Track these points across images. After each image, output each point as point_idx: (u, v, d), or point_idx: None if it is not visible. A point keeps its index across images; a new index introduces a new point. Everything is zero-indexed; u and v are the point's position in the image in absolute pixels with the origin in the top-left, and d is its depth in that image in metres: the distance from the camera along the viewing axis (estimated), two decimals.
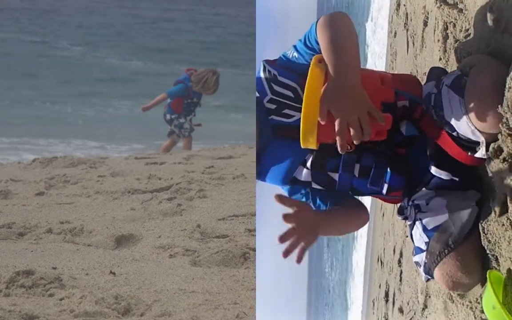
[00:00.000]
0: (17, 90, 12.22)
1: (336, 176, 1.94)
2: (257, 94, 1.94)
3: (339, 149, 1.68)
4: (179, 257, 2.64)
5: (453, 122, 1.73)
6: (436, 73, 1.93)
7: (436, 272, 1.83)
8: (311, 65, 1.73)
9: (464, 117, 1.69)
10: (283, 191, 2.07)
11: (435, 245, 1.84)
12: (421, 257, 1.89)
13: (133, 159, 5.21)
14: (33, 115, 10.87)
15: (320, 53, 1.78)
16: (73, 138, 9.37)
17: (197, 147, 6.89)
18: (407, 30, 3.73)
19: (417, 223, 1.92)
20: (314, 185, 1.97)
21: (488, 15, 1.90)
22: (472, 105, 1.66)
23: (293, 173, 1.96)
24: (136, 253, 2.71)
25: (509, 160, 1.63)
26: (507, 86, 1.59)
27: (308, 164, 1.93)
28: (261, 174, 2.03)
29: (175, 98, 6.94)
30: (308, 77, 1.71)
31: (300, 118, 1.81)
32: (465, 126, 1.70)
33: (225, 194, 3.67)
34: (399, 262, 3.76)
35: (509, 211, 1.65)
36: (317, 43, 1.80)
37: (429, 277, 1.89)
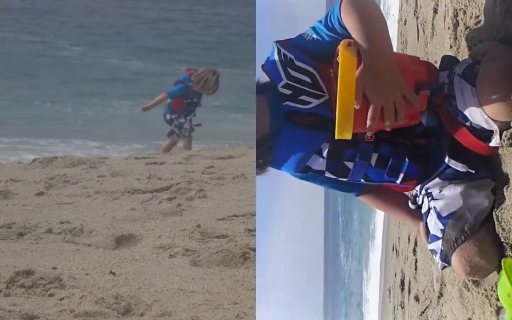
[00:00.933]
0: (17, 90, 12.22)
1: (351, 165, 1.88)
2: (270, 78, 1.86)
3: (367, 130, 1.61)
4: (179, 257, 2.64)
5: (466, 111, 1.72)
6: (447, 62, 1.90)
7: (454, 258, 1.81)
8: (340, 49, 1.62)
9: (477, 106, 1.67)
10: (293, 176, 2.00)
11: (451, 232, 1.82)
12: (437, 245, 1.88)
13: (133, 159, 5.21)
14: (33, 115, 10.87)
15: (342, 35, 1.71)
16: (73, 138, 9.37)
17: (197, 147, 6.89)
18: (417, 17, 3.68)
19: (431, 211, 1.91)
20: (327, 174, 1.92)
21: (498, 0, 1.88)
22: (484, 93, 1.64)
23: (307, 162, 1.89)
24: (136, 253, 2.71)
25: None
26: None
27: (324, 153, 1.86)
28: (275, 163, 1.95)
29: (175, 98, 6.94)
30: (340, 61, 1.60)
31: (317, 105, 1.78)
32: (478, 115, 1.69)
33: (225, 194, 3.67)
34: (414, 250, 3.74)
35: None
36: (340, 25, 1.72)
37: (446, 264, 1.87)
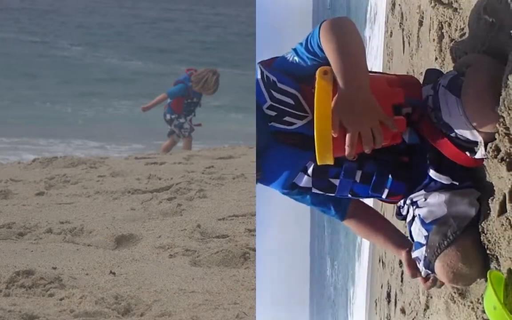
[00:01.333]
0: (17, 90, 12.22)
1: (337, 182, 1.92)
2: (256, 98, 1.90)
3: (346, 155, 1.65)
4: (179, 257, 2.64)
5: (451, 123, 1.72)
6: (432, 75, 1.92)
7: (437, 264, 1.81)
8: (317, 78, 1.67)
9: (462, 117, 1.68)
10: (282, 194, 2.05)
11: (434, 237, 1.82)
12: (420, 252, 1.87)
13: (133, 159, 5.21)
14: (33, 115, 10.87)
15: (322, 59, 1.74)
16: (73, 138, 9.37)
17: (197, 147, 6.89)
18: (403, 29, 3.72)
19: (416, 218, 1.91)
20: (314, 190, 1.95)
21: (483, 14, 1.90)
22: (469, 104, 1.65)
23: (293, 179, 1.93)
24: (136, 253, 2.71)
25: (507, 159, 1.63)
26: (503, 85, 1.59)
27: (310, 171, 1.90)
28: (262, 179, 1.99)
29: (175, 98, 6.94)
30: (316, 91, 1.65)
31: (302, 126, 1.80)
32: (463, 126, 1.69)
33: (225, 194, 3.67)
34: (400, 262, 3.76)
35: (508, 211, 1.65)
36: (320, 48, 1.75)
37: (429, 271, 1.87)
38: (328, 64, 1.71)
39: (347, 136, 1.64)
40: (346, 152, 1.65)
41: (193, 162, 4.93)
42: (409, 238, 1.99)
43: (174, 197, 3.55)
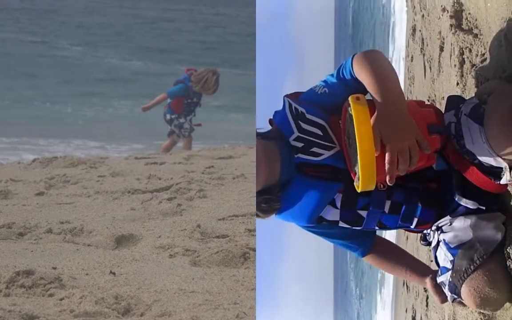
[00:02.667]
0: (17, 90, 12.21)
1: (365, 214, 1.90)
2: (279, 132, 1.89)
3: (388, 180, 1.64)
4: (179, 257, 2.64)
5: (474, 150, 1.73)
6: (454, 102, 1.91)
7: (463, 289, 1.79)
8: (351, 103, 1.67)
9: (485, 145, 1.69)
10: (302, 228, 2.02)
11: (461, 262, 1.81)
12: (446, 277, 1.86)
13: (133, 159, 5.21)
14: (33, 115, 10.86)
15: (353, 88, 1.77)
16: (73, 138, 9.36)
17: (197, 147, 6.88)
18: (424, 55, 3.70)
19: (441, 243, 1.90)
20: (342, 224, 1.92)
21: (504, 40, 1.90)
22: (492, 131, 1.66)
23: (320, 212, 1.91)
24: (136, 253, 2.71)
25: None
26: None
27: (338, 204, 1.88)
28: (282, 212, 1.97)
29: (175, 98, 6.94)
30: (354, 115, 1.65)
31: (329, 157, 1.81)
32: (486, 153, 1.70)
33: (225, 194, 3.67)
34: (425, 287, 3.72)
35: None
36: (352, 77, 1.79)
37: (455, 296, 1.85)
38: (358, 92, 1.72)
39: (387, 154, 1.63)
40: (387, 169, 1.63)
41: (193, 162, 4.93)
42: (434, 263, 1.98)
43: (174, 197, 3.55)
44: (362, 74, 1.75)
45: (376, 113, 1.66)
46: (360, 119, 1.64)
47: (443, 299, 1.94)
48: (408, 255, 2.21)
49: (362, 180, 1.65)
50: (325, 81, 1.88)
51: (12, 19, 19.52)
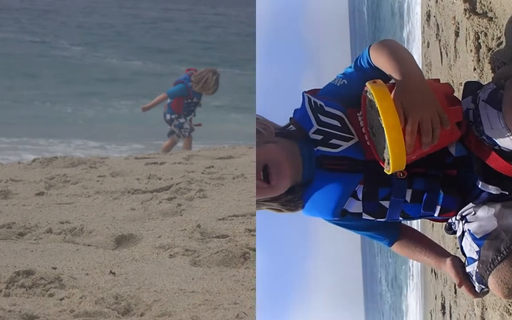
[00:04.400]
0: (17, 90, 12.21)
1: (387, 204, 1.89)
2: (299, 128, 1.92)
3: (406, 146, 1.63)
4: (179, 257, 2.64)
5: (493, 136, 1.73)
6: (471, 88, 1.91)
7: (491, 280, 1.79)
8: (369, 87, 1.68)
9: (504, 130, 1.69)
10: (329, 222, 2.02)
11: (487, 253, 1.80)
12: (472, 267, 1.85)
13: (133, 159, 5.21)
14: (33, 115, 10.86)
15: (371, 75, 1.78)
16: (73, 138, 9.36)
17: (197, 147, 6.89)
18: (439, 40, 3.68)
19: (466, 233, 1.89)
20: (365, 216, 1.92)
21: None
22: (510, 116, 1.66)
23: (344, 205, 1.90)
24: (136, 253, 2.71)
25: None
26: None
27: (359, 195, 1.88)
28: (307, 208, 1.98)
29: (175, 98, 6.94)
30: (373, 93, 1.65)
31: (348, 148, 1.82)
32: (506, 138, 1.70)
33: (225, 194, 3.67)
34: None
35: None
36: (369, 65, 1.82)
37: (483, 286, 1.84)
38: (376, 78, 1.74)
39: (409, 123, 1.62)
40: (407, 141, 1.62)
41: (193, 162, 4.93)
42: (460, 252, 1.97)
43: (174, 197, 3.55)
44: (380, 59, 1.78)
45: (395, 88, 1.67)
46: (380, 96, 1.64)
47: (461, 281, 1.91)
48: (426, 239, 2.19)
49: (393, 157, 1.63)
50: (343, 73, 1.91)
51: (12, 19, 19.53)
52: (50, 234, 2.94)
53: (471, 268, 1.87)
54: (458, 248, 2.04)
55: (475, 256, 1.84)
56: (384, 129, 1.62)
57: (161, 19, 21.66)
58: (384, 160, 1.72)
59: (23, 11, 21.32)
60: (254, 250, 2.63)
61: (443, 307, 4.25)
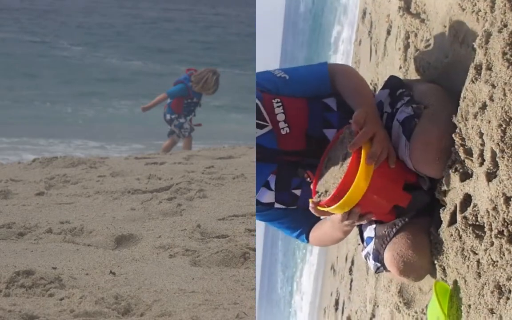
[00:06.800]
0: (17, 90, 12.22)
1: (299, 192, 1.90)
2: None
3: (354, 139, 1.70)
4: (179, 257, 2.64)
5: (398, 152, 1.78)
6: (392, 83, 1.94)
7: (386, 255, 1.80)
8: (363, 150, 1.70)
9: (407, 159, 1.73)
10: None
11: (383, 228, 1.82)
12: (371, 246, 1.87)
13: (133, 159, 5.21)
14: (33, 115, 10.86)
15: (313, 88, 1.87)
16: (73, 138, 9.37)
17: (197, 147, 6.89)
18: (371, 38, 3.71)
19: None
20: (277, 205, 1.92)
21: (448, 26, 1.92)
22: (415, 154, 1.70)
23: (256, 196, 1.91)
24: (136, 253, 2.71)
25: (460, 170, 1.65)
26: (462, 96, 1.62)
27: (272, 185, 1.89)
28: None
29: (175, 98, 6.94)
30: (364, 151, 1.69)
31: (261, 135, 1.83)
32: (407, 162, 1.74)
33: (225, 194, 3.67)
34: (350, 270, 3.76)
35: (458, 221, 1.64)
36: (324, 83, 1.88)
37: (379, 264, 1.85)
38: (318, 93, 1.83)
39: (364, 129, 1.70)
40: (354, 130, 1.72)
41: (193, 162, 4.93)
42: (361, 241, 1.98)
43: (174, 197, 3.55)
44: (346, 87, 1.87)
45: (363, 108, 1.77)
46: (363, 175, 1.67)
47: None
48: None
49: (341, 205, 1.68)
50: (285, 69, 1.91)
51: (12, 19, 19.53)
52: (50, 234, 2.94)
53: (369, 248, 1.88)
54: (359, 244, 2.06)
55: (372, 234, 1.86)
56: (353, 185, 1.65)
57: (161, 19, 21.66)
58: (319, 191, 1.74)
59: (23, 11, 21.32)
60: (254, 250, 2.63)
61: (336, 303, 4.29)
